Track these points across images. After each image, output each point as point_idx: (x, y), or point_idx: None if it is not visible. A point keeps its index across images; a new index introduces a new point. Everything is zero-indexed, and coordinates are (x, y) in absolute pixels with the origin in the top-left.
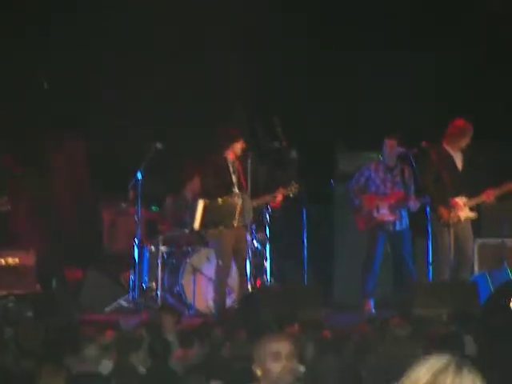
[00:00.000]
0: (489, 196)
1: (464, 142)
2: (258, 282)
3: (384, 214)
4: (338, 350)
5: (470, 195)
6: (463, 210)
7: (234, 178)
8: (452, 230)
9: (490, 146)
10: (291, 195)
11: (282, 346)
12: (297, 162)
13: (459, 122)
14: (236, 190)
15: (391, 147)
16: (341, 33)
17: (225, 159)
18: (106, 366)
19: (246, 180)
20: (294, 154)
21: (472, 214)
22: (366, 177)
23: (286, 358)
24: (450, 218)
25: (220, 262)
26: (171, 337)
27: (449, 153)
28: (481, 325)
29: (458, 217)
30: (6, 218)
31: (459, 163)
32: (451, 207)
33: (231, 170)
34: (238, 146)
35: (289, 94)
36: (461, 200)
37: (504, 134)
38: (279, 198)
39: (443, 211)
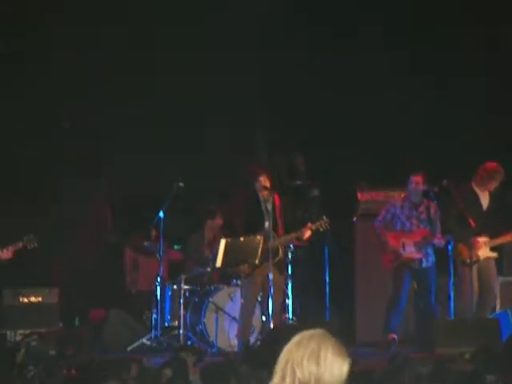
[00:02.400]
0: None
1: (493, 185)
2: (281, 320)
3: (410, 251)
4: None
5: (492, 235)
6: (483, 249)
7: (267, 216)
8: (475, 268)
9: None
10: (321, 230)
11: None
12: (319, 200)
13: (491, 165)
14: (267, 227)
15: (416, 184)
16: (362, 74)
17: (256, 198)
18: None
19: (274, 218)
20: (316, 191)
21: (492, 254)
22: (392, 214)
23: None
24: (469, 257)
25: (247, 300)
26: (192, 376)
27: (475, 192)
28: (503, 362)
29: (477, 256)
30: (28, 256)
31: (485, 203)
32: (471, 246)
33: (263, 208)
34: (263, 183)
35: (311, 132)
36: (482, 239)
37: None
38: (308, 233)
39: (462, 249)
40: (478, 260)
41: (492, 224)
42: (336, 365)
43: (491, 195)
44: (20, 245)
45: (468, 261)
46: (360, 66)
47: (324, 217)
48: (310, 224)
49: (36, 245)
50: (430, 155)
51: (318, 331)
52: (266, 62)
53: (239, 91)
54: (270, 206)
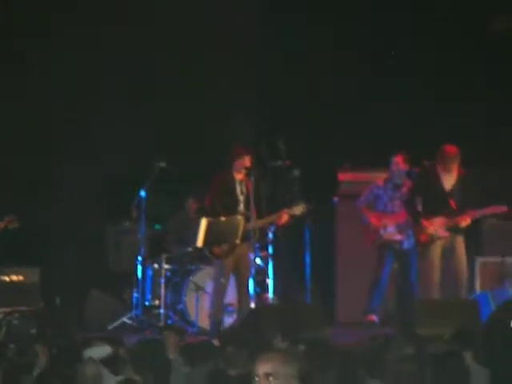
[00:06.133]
0: (465, 219)
1: (452, 166)
2: (261, 300)
3: (391, 232)
4: (342, 368)
5: (450, 216)
6: (437, 230)
7: (242, 198)
8: (438, 249)
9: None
10: (297, 214)
11: (278, 366)
12: (299, 181)
13: (448, 147)
14: (242, 209)
15: (397, 164)
16: (347, 55)
17: (233, 178)
18: None
19: (251, 200)
20: (296, 172)
21: (445, 234)
22: (375, 194)
23: (282, 378)
24: (421, 238)
25: (222, 280)
26: (173, 355)
27: (437, 173)
28: (481, 343)
29: (429, 236)
30: (10, 236)
31: (448, 184)
32: (423, 227)
33: (238, 189)
34: (245, 163)
35: (292, 112)
36: (437, 220)
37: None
38: (284, 218)
39: (417, 231)
40: (429, 241)
41: (451, 205)
42: None
43: (458, 177)
44: (1, 225)
45: (423, 241)
46: (344, 48)
47: (300, 201)
48: (285, 209)
49: (17, 225)
50: (413, 135)
51: None
52: (254, 49)
53: (225, 74)
54: (244, 188)
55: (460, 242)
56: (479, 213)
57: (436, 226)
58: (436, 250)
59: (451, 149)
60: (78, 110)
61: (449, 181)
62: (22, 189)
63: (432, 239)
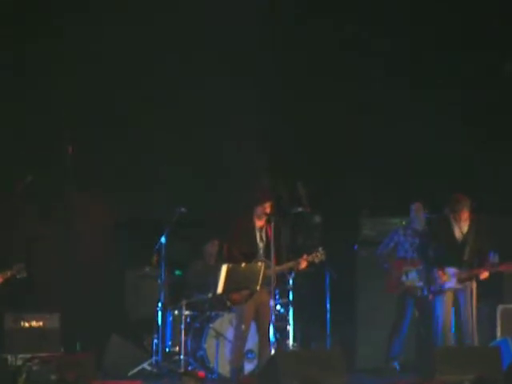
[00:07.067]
0: (484, 273)
1: (463, 214)
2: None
3: (413, 279)
4: None
5: (464, 266)
6: (450, 280)
7: (261, 245)
8: (451, 296)
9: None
10: (317, 261)
11: None
12: (320, 227)
13: (456, 196)
14: (262, 255)
15: (417, 211)
16: (364, 100)
17: (253, 225)
18: None
19: (271, 246)
20: (317, 218)
21: (458, 286)
22: (396, 241)
23: None
24: (435, 287)
25: (242, 326)
26: None
27: (449, 222)
28: None
29: (441, 287)
30: (30, 282)
31: (459, 233)
32: (437, 277)
33: (258, 236)
34: (266, 210)
35: (314, 159)
36: (450, 271)
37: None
38: (303, 264)
39: (428, 280)
40: (440, 291)
41: (462, 255)
42: None
43: (470, 227)
44: (8, 274)
45: (435, 290)
46: (362, 93)
47: (320, 248)
48: (305, 256)
49: (25, 274)
50: (432, 183)
51: None
52: (269, 88)
53: (243, 117)
54: (263, 234)
55: (474, 288)
56: (495, 268)
57: (448, 277)
58: (448, 297)
59: (460, 197)
60: (103, 152)
61: (460, 229)
62: (40, 232)
63: (442, 290)
